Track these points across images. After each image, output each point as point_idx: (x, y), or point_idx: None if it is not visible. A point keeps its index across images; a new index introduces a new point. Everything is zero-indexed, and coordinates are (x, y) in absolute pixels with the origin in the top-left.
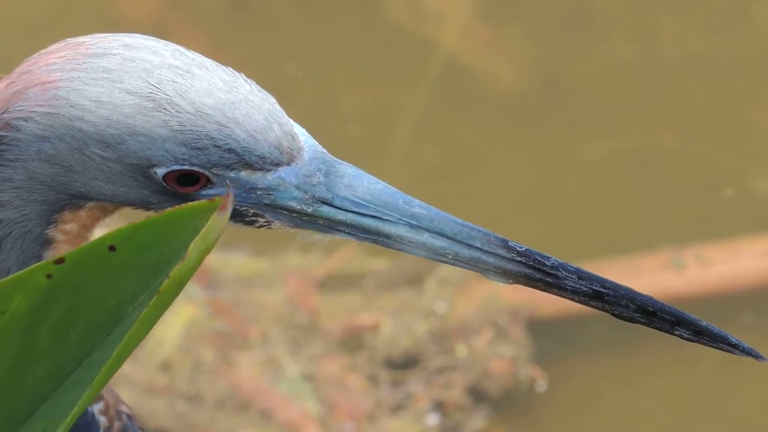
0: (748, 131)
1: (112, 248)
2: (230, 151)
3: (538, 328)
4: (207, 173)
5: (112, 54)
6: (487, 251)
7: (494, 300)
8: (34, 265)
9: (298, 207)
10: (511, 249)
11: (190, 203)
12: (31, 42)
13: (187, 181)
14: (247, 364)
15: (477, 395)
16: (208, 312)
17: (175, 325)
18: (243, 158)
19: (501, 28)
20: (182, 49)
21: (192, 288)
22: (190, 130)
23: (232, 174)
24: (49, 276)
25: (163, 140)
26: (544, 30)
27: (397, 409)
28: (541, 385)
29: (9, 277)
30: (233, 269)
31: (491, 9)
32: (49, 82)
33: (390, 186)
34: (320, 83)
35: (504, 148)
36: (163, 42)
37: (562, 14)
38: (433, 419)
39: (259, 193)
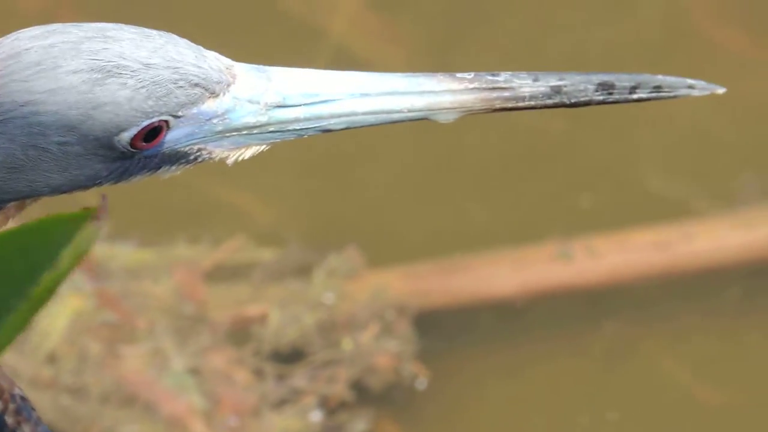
0: (637, 123)
1: None
2: (195, 85)
3: (426, 324)
4: (170, 119)
5: (26, 50)
6: (440, 91)
7: (382, 293)
8: None
9: (253, 120)
10: (461, 80)
11: (65, 213)
12: None
13: (152, 136)
14: (133, 356)
15: (360, 390)
16: (94, 303)
17: (62, 316)
18: (207, 88)
19: (393, 15)
20: (75, 23)
21: (79, 279)
22: (149, 82)
23: (195, 110)
24: None
25: (129, 101)
26: (437, 17)
27: (281, 404)
28: (422, 382)
29: None
30: (120, 260)
31: None
32: None
33: (325, 70)
34: None
35: (392, 138)
36: (53, 24)
37: (453, 1)
38: (317, 416)
39: (215, 121)
